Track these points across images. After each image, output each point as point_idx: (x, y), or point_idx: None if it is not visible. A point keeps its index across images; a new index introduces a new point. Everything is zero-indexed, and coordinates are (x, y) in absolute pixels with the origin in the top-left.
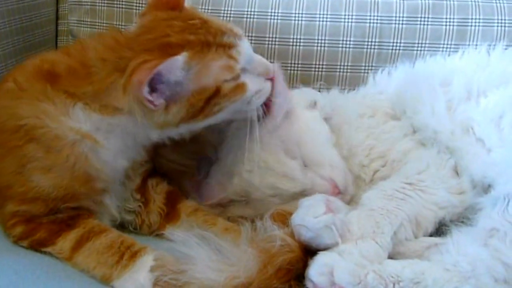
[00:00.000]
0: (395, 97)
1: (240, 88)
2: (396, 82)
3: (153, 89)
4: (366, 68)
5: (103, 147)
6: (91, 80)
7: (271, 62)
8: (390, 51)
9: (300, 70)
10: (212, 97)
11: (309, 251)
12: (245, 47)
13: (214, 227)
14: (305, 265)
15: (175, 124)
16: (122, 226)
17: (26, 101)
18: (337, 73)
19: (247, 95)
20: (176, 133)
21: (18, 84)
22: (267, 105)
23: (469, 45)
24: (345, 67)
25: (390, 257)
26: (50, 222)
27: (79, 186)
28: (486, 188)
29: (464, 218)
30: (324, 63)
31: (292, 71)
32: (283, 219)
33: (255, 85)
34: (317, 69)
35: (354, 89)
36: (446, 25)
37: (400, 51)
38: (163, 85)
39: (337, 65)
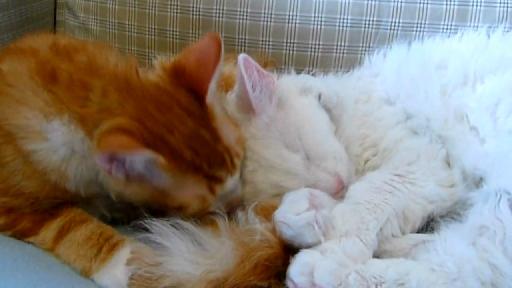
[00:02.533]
0: (389, 80)
1: (203, 209)
2: (391, 63)
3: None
4: (363, 49)
5: (71, 179)
6: (86, 103)
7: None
8: (388, 31)
9: (296, 50)
10: (173, 207)
11: (291, 248)
12: (230, 184)
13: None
14: (286, 263)
15: (132, 200)
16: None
17: (11, 101)
18: (334, 53)
19: (204, 211)
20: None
21: (7, 75)
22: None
23: (469, 26)
24: (342, 47)
25: (376, 256)
26: (33, 212)
27: (62, 193)
28: (478, 182)
29: (454, 213)
30: (321, 42)
31: (287, 51)
32: (266, 213)
33: (214, 208)
34: (313, 50)
35: (349, 71)
36: (446, 5)
37: (399, 31)
38: (131, 166)
39: (333, 46)
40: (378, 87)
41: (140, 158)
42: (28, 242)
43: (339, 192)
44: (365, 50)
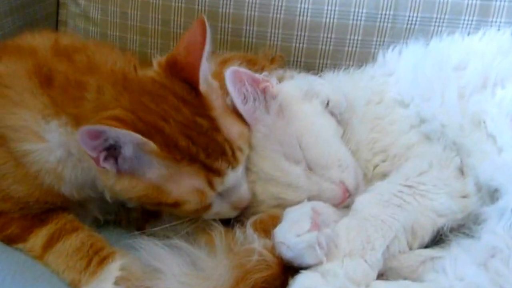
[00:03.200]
0: (404, 80)
1: (201, 210)
2: (407, 62)
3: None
4: (378, 43)
5: (66, 181)
6: (81, 103)
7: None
8: (405, 25)
9: (306, 43)
10: (168, 205)
11: (290, 268)
12: (232, 178)
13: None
14: (285, 283)
15: (125, 198)
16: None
17: (7, 103)
18: (346, 47)
19: (203, 214)
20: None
21: (4, 76)
22: None
23: (492, 22)
24: (355, 41)
25: (381, 273)
26: (22, 217)
27: (53, 197)
28: (492, 194)
29: (466, 228)
30: (333, 35)
31: (297, 44)
32: (266, 228)
33: (218, 208)
34: (324, 43)
35: (362, 66)
36: None
37: (416, 26)
38: (121, 154)
39: (346, 39)
40: (391, 88)
41: (129, 142)
42: (16, 249)
43: (345, 201)
44: (380, 45)
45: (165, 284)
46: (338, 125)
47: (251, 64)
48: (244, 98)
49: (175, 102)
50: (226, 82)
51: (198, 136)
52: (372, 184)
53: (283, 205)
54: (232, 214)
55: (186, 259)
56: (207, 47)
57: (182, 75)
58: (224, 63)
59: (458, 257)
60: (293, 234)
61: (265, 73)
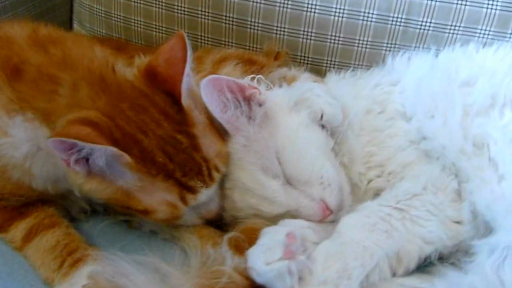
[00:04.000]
0: (409, 92)
1: (171, 219)
2: (414, 72)
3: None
4: (389, 46)
5: (37, 177)
6: (52, 97)
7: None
8: (417, 30)
9: (314, 40)
10: (137, 211)
11: None
12: (205, 196)
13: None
14: None
15: (92, 197)
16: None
17: None
18: (355, 47)
19: (172, 222)
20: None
21: None
22: None
23: (511, 34)
24: (365, 42)
25: None
26: (2, 208)
27: (26, 191)
28: (487, 224)
29: (454, 258)
30: (341, 35)
31: (304, 40)
32: (241, 245)
33: (186, 218)
34: (332, 41)
35: (371, 67)
36: (487, 8)
37: (430, 31)
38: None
39: (355, 39)
40: (395, 98)
41: (102, 152)
42: None
43: (326, 218)
44: (391, 48)
45: None
46: (329, 137)
47: (250, 63)
48: (224, 106)
49: (156, 115)
50: (201, 92)
51: (176, 153)
52: (364, 199)
53: (261, 216)
54: (198, 222)
55: (155, 275)
56: (189, 63)
57: (164, 87)
58: (220, 62)
59: None
60: (263, 262)
61: (246, 80)
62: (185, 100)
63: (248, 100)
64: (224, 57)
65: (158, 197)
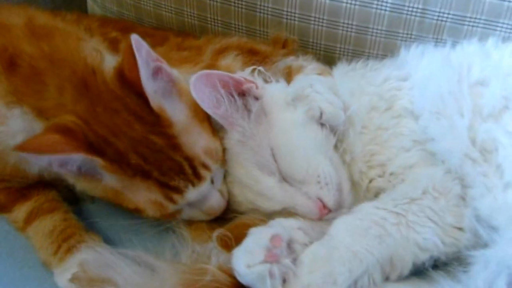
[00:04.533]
0: (418, 88)
1: (169, 215)
2: (425, 68)
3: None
4: (404, 36)
5: (32, 163)
6: (42, 97)
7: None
8: (434, 21)
9: (326, 27)
10: (128, 209)
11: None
12: (194, 194)
13: None
14: None
15: (89, 193)
16: None
17: None
18: (369, 36)
19: (175, 217)
20: None
21: None
22: None
23: None
24: (379, 31)
25: None
26: (6, 189)
27: (24, 175)
28: (488, 233)
29: (450, 267)
30: (354, 23)
31: (315, 26)
32: (229, 243)
33: (190, 213)
34: (345, 29)
35: (386, 56)
36: (509, 1)
37: (447, 23)
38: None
39: (369, 28)
40: (404, 94)
41: (71, 159)
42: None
43: (323, 217)
44: (407, 38)
45: None
46: (330, 134)
47: (251, 54)
48: (217, 102)
49: (127, 118)
50: (191, 89)
51: (151, 154)
52: (366, 197)
53: (259, 211)
54: (207, 218)
55: (144, 269)
56: (143, 68)
57: (134, 89)
58: (219, 53)
59: None
60: (243, 264)
61: (244, 72)
62: (155, 103)
63: (244, 94)
64: (224, 47)
65: (142, 196)
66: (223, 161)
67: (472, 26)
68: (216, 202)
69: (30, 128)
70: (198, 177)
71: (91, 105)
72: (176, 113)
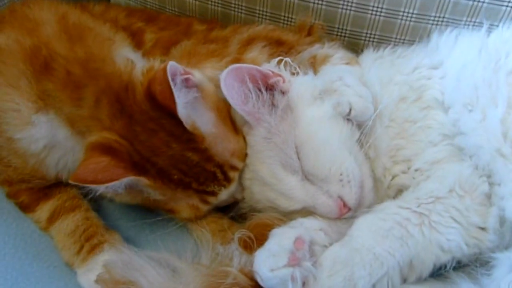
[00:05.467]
0: (450, 78)
1: (196, 216)
2: (458, 56)
3: None
4: (436, 19)
5: (51, 168)
6: (78, 104)
7: None
8: (470, 2)
9: (354, 11)
10: (165, 210)
11: None
12: (225, 194)
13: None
14: None
15: (126, 202)
16: None
17: (2, 81)
18: (399, 20)
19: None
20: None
21: (3, 51)
22: None
23: None
24: (410, 14)
25: None
26: (29, 189)
27: (43, 175)
28: None
29: (471, 269)
30: (384, 6)
31: (343, 10)
32: (250, 244)
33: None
34: (374, 12)
35: (414, 42)
36: None
37: (484, 4)
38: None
39: (399, 11)
40: (434, 84)
41: (121, 183)
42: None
43: (343, 215)
44: (439, 22)
45: None
46: (355, 129)
47: (278, 44)
48: (245, 97)
49: (164, 138)
50: (221, 85)
51: (189, 169)
52: (387, 194)
53: (277, 210)
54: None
55: (167, 270)
56: (179, 100)
57: (166, 109)
58: (246, 45)
59: None
60: (267, 268)
61: (270, 64)
62: (188, 123)
63: (271, 88)
64: (251, 37)
65: (182, 203)
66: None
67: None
68: (237, 193)
69: (54, 134)
70: (228, 180)
71: (129, 124)
72: (205, 124)
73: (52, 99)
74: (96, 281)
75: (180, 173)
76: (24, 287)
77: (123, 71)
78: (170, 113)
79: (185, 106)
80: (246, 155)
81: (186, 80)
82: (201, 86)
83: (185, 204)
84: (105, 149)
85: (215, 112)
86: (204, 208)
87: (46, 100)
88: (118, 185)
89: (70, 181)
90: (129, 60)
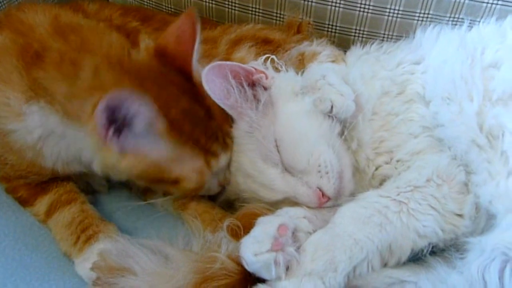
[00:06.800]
0: (431, 73)
1: (198, 188)
2: (439, 51)
3: (118, 130)
4: (421, 16)
5: (47, 157)
6: (73, 81)
7: None
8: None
9: (343, 8)
10: (167, 182)
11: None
12: (224, 160)
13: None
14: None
15: (123, 176)
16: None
17: None
18: (386, 16)
19: (197, 192)
20: (120, 178)
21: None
22: None
23: None
24: (396, 11)
25: None
26: (26, 184)
27: (39, 170)
28: (488, 220)
29: (447, 253)
30: (372, 3)
31: (332, 7)
32: (238, 232)
33: (208, 185)
34: (362, 9)
35: (401, 38)
36: None
37: (466, 1)
38: (128, 131)
39: (386, 8)
40: (417, 79)
41: (143, 116)
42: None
43: (322, 205)
44: (424, 18)
45: (130, 282)
46: (335, 123)
47: (265, 43)
48: (227, 93)
49: (175, 91)
50: (202, 79)
51: (198, 122)
52: (371, 184)
53: (262, 200)
54: (217, 189)
55: (159, 257)
56: (198, 41)
57: (175, 65)
58: (234, 45)
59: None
60: (251, 253)
61: (257, 62)
62: (195, 76)
63: (254, 85)
64: (239, 38)
65: (188, 165)
66: None
67: (492, 3)
68: (228, 172)
69: (46, 122)
70: (226, 144)
71: (136, 80)
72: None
73: (43, 86)
74: (92, 269)
75: (191, 125)
76: (23, 277)
77: (121, 44)
78: (178, 68)
79: (195, 62)
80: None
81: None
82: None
83: (191, 168)
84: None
85: None
86: (208, 173)
87: (37, 89)
88: (142, 116)
89: (108, 96)
90: (125, 41)
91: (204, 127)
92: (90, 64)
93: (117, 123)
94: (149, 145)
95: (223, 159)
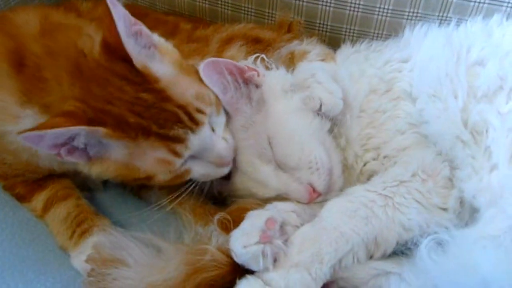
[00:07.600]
0: (418, 70)
1: (180, 177)
2: (426, 50)
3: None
4: (410, 14)
5: (43, 158)
6: (47, 95)
7: None
8: None
9: (333, 7)
10: (142, 179)
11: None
12: (197, 141)
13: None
14: (233, 282)
15: (104, 178)
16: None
17: None
18: (375, 15)
19: (187, 179)
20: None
21: None
22: None
23: None
24: (385, 10)
25: (332, 280)
26: (23, 182)
27: (36, 169)
28: (472, 214)
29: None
30: (362, 2)
31: (323, 7)
32: (227, 225)
33: (201, 170)
34: (352, 8)
35: (391, 36)
36: None
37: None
38: (76, 148)
39: (376, 7)
40: (404, 76)
41: (78, 134)
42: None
43: (313, 200)
44: (413, 17)
45: (123, 273)
46: (324, 121)
47: (255, 42)
48: (225, 88)
49: (117, 83)
50: (201, 76)
51: (145, 111)
52: (359, 180)
53: (255, 197)
54: (221, 172)
55: (151, 249)
56: (122, 22)
57: (118, 55)
58: (225, 44)
59: (410, 278)
60: (240, 245)
61: (247, 61)
62: (138, 61)
63: (247, 82)
64: (230, 36)
65: (149, 158)
66: (219, 107)
67: (479, 2)
68: (223, 148)
69: None
70: (196, 122)
71: (85, 84)
72: (161, 70)
73: (30, 93)
74: (87, 261)
75: (136, 115)
76: (21, 270)
77: (80, 43)
78: (122, 57)
79: (134, 45)
80: (218, 105)
81: (138, 31)
82: (159, 45)
83: (154, 160)
84: (60, 113)
85: (173, 65)
86: (176, 160)
87: (28, 95)
88: (77, 136)
89: (25, 135)
90: (89, 36)
91: (155, 113)
92: (53, 76)
93: (63, 145)
94: (105, 149)
95: (194, 141)
